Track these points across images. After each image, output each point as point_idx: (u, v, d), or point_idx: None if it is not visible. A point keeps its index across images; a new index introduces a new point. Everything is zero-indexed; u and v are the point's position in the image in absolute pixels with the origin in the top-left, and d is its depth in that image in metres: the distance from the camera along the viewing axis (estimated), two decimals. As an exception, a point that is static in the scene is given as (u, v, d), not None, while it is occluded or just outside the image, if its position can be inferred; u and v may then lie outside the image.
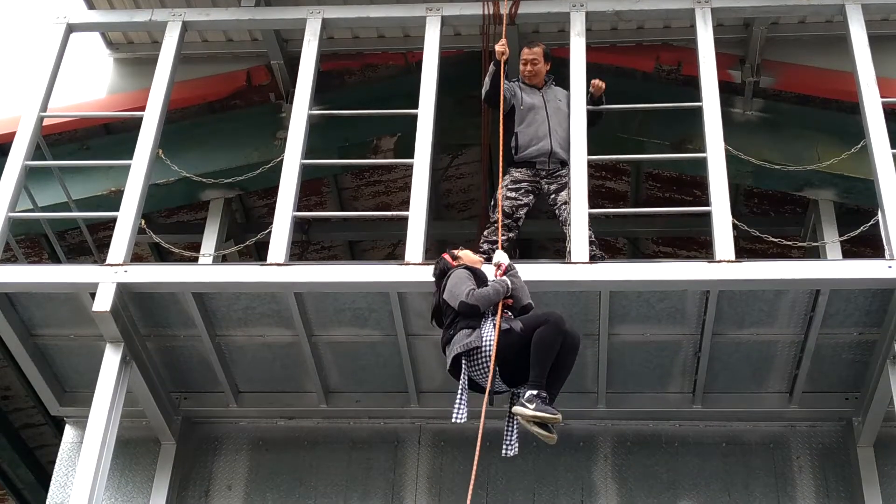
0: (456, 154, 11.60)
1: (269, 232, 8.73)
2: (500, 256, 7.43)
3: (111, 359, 8.45)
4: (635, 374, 9.21)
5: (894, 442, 9.13)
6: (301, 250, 11.72)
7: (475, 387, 6.85)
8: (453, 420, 6.71)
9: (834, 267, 8.41)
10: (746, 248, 11.02)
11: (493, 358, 6.63)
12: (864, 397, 8.91)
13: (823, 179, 9.69)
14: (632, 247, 12.16)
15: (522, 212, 9.20)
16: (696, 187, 11.03)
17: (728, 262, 8.20)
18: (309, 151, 9.09)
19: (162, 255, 11.24)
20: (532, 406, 6.57)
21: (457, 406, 6.74)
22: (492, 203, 9.30)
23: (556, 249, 12.07)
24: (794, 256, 10.59)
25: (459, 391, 6.76)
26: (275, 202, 8.83)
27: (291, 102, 9.30)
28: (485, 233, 9.44)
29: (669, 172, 11.12)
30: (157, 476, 9.31)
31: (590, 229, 8.57)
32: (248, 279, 8.54)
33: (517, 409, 6.68)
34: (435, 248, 11.88)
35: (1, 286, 8.62)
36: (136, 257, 9.93)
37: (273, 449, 9.63)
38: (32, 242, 10.79)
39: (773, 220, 10.98)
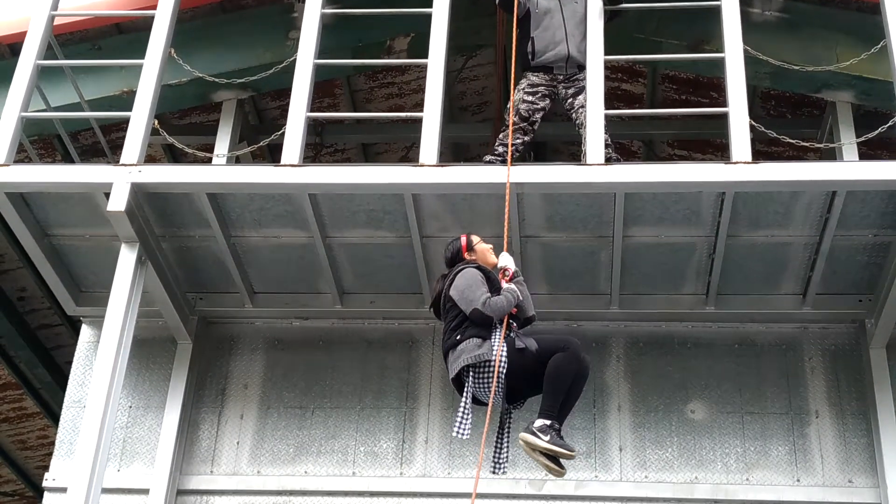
0: (470, 55, 11.46)
1: (283, 133, 8.68)
2: (506, 260, 7.04)
3: (126, 258, 8.48)
4: (649, 276, 9.22)
5: (906, 343, 9.18)
6: (314, 153, 11.66)
7: (474, 399, 6.61)
8: (454, 435, 6.48)
9: (850, 168, 8.35)
10: (762, 152, 10.92)
11: (496, 373, 6.40)
12: (878, 299, 8.92)
13: (842, 81, 9.55)
14: (647, 150, 12.07)
15: (538, 115, 9.11)
16: (713, 89, 10.91)
17: (744, 163, 8.15)
18: (322, 52, 8.99)
19: (175, 158, 11.21)
20: (546, 438, 6.34)
21: (459, 420, 6.48)
22: (507, 106, 9.22)
23: (571, 153, 11.98)
24: (811, 159, 10.53)
25: (463, 404, 6.50)
26: (287, 105, 8.76)
27: (303, 1, 9.17)
28: (500, 135, 9.38)
29: (686, 74, 10.97)
30: (174, 375, 9.42)
31: (605, 132, 8.50)
32: (262, 180, 8.52)
33: (526, 437, 6.40)
34: (449, 151, 11.86)
35: (16, 186, 8.61)
36: (149, 159, 9.91)
37: (288, 349, 9.72)
38: (45, 143, 10.76)
39: (790, 123, 10.86)
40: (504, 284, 6.82)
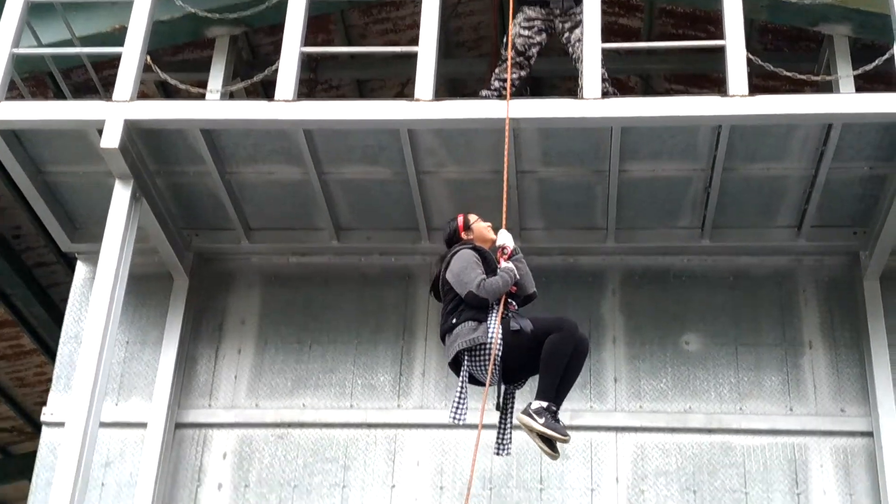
0: (465, -11, 11.38)
1: (277, 69, 8.63)
2: (505, 238, 6.85)
3: (121, 195, 8.47)
4: (645, 210, 9.24)
5: (901, 275, 9.23)
6: (309, 89, 11.60)
7: (472, 380, 6.48)
8: (451, 420, 6.32)
9: (846, 101, 8.33)
10: (759, 86, 10.87)
11: (492, 357, 6.26)
12: (872, 232, 8.96)
13: (839, 14, 9.49)
14: (644, 85, 12.02)
15: (535, 50, 9.07)
16: (710, 23, 10.84)
17: (741, 96, 8.13)
18: (316, -15, 8.91)
19: (168, 95, 11.14)
20: (541, 421, 6.22)
21: (455, 404, 6.33)
22: (504, 40, 9.16)
23: (568, 88, 11.93)
24: (808, 93, 10.48)
25: (459, 389, 6.35)
26: (281, 40, 8.70)
27: (296, -66, 9.05)
28: (496, 70, 9.33)
29: (683, 8, 10.90)
30: (171, 311, 9.45)
31: (602, 66, 8.47)
32: (256, 116, 8.48)
33: (523, 418, 6.29)
34: (445, 87, 11.80)
35: (8, 123, 8.57)
36: (142, 95, 9.82)
37: (285, 285, 9.75)
38: (37, 81, 10.69)
39: (786, 57, 10.81)
40: (502, 263, 6.65)
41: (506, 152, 7.41)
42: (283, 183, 9.21)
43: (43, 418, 9.28)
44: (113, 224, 8.37)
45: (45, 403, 9.38)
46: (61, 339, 9.60)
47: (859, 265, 9.21)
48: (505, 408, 6.61)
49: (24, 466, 13.17)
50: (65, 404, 9.01)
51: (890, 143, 8.41)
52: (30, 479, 9.22)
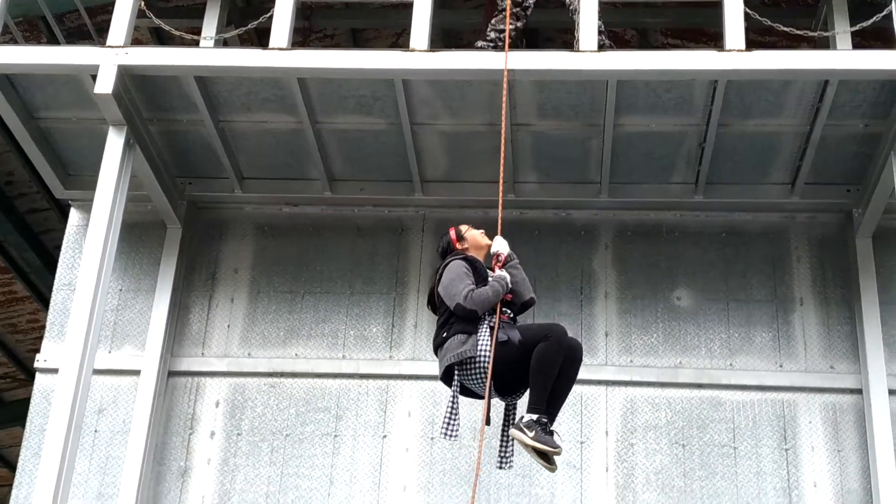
0: (462, -62, 11.27)
1: (271, 17, 8.56)
2: (499, 245, 6.54)
3: (114, 142, 8.43)
4: (639, 165, 9.23)
5: (892, 233, 9.24)
6: (303, 38, 11.51)
7: (467, 392, 6.26)
8: (442, 436, 6.13)
9: (843, 57, 8.30)
10: (756, 42, 10.80)
11: (490, 369, 6.00)
12: (866, 189, 8.97)
13: (838, -31, 9.45)
14: (640, 38, 11.95)
15: (531, 0, 9.00)
16: (707, -23, 10.77)
17: (738, 51, 8.10)
18: (311, -68, 8.84)
19: (162, 41, 11.06)
20: (531, 434, 5.95)
21: (446, 421, 6.13)
22: (500, -8, 9.10)
23: (564, 41, 11.85)
24: (804, 48, 10.44)
25: (450, 405, 6.12)
26: (276, -13, 8.64)
27: None
28: (492, 21, 9.27)
29: (681, -39, 10.83)
30: (164, 259, 9.45)
31: (599, 19, 8.41)
32: (250, 63, 8.43)
33: (514, 432, 6.06)
34: (440, 38, 11.70)
35: (1, 67, 8.51)
36: (135, 42, 9.73)
37: (278, 235, 9.74)
38: (30, 25, 10.60)
39: (784, 12, 10.72)
40: (496, 272, 6.39)
41: (504, 104, 7.37)
42: (276, 132, 9.17)
43: (36, 365, 9.31)
44: (106, 171, 8.34)
45: (38, 350, 9.40)
46: (55, 287, 9.60)
47: (852, 223, 9.23)
48: (507, 421, 6.36)
49: (17, 413, 13.23)
50: (58, 351, 9.03)
51: (886, 101, 8.39)
52: (23, 426, 9.26)
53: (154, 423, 8.95)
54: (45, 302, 11.72)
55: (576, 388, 8.84)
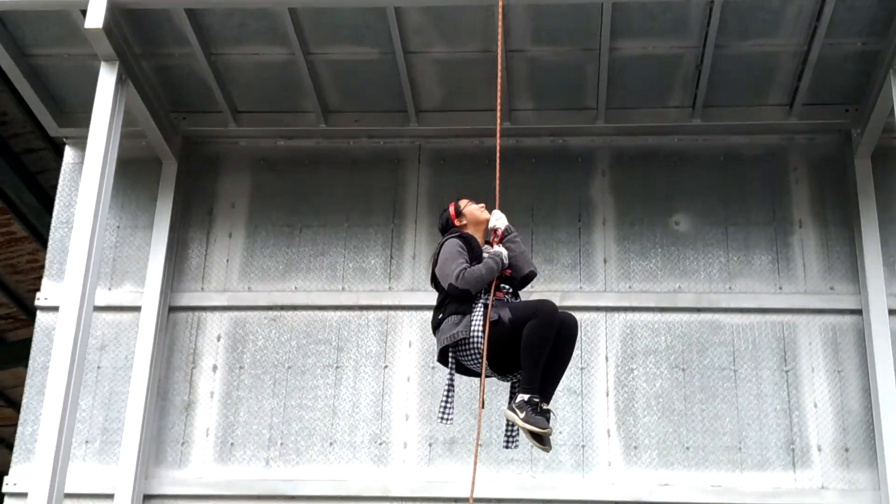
0: None
1: (261, -54, 8.45)
2: (497, 219, 6.39)
3: (106, 78, 8.35)
4: (635, 90, 9.16)
5: (891, 153, 9.19)
6: (294, -31, 11.38)
7: (466, 371, 6.17)
8: (439, 420, 6.07)
9: (841, -26, 8.21)
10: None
11: (484, 349, 5.88)
12: (865, 109, 8.91)
13: None
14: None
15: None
16: None
17: (734, -31, 8.00)
18: None
19: (152, -24, 10.92)
20: (521, 415, 5.82)
21: (443, 405, 6.05)
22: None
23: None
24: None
25: (446, 389, 6.06)
26: (264, -86, 8.50)
27: None
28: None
29: None
30: (161, 195, 9.42)
31: (592, -60, 8.31)
32: (241, -6, 8.34)
33: (508, 413, 5.96)
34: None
35: (-11, 4, 8.42)
36: (125, -24, 9.65)
37: (274, 169, 9.70)
38: (18, -38, 10.44)
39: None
40: (493, 247, 6.24)
41: (499, 29, 7.28)
42: (269, 64, 9.09)
43: (37, 303, 9.32)
44: (100, 107, 8.28)
45: (38, 290, 9.41)
46: (52, 225, 9.59)
47: (850, 143, 9.18)
48: (511, 400, 6.16)
49: (19, 353, 13.28)
50: (58, 289, 9.04)
51: (884, 18, 8.29)
52: (25, 366, 9.30)
53: (156, 358, 8.99)
54: (43, 242, 11.70)
55: (575, 315, 9.01)
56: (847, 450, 8.58)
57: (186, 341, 9.23)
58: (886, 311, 8.68)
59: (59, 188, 9.70)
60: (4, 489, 8.76)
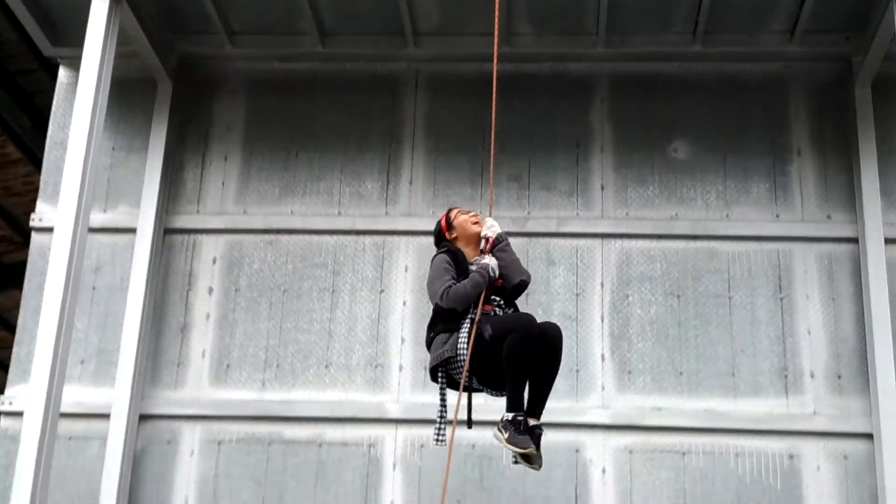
0: None
1: None
2: (489, 227, 6.20)
3: (100, -4, 8.25)
4: (636, 15, 9.07)
5: (891, 81, 9.13)
6: None
7: (456, 387, 5.97)
8: (435, 442, 5.92)
9: None
10: None
11: (466, 369, 5.74)
12: (866, 36, 8.83)
13: None
14: None
15: None
16: None
17: None
18: None
19: None
20: (505, 436, 5.68)
21: (437, 426, 5.93)
22: None
23: None
24: None
25: (439, 410, 5.93)
26: None
27: None
28: None
29: None
30: (156, 117, 9.35)
31: None
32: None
33: (495, 432, 5.78)
34: None
35: (-19, -81, 8.29)
36: None
37: (270, 92, 9.62)
38: None
39: None
40: (483, 259, 6.04)
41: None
42: (266, -15, 8.99)
43: (32, 224, 9.29)
44: (94, 26, 8.17)
45: (33, 212, 9.36)
46: (47, 146, 9.53)
47: (851, 71, 9.11)
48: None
49: (14, 276, 13.25)
50: (53, 210, 9.00)
51: (888, -56, 8.20)
52: (21, 288, 9.28)
53: (152, 280, 8.99)
54: (38, 164, 11.60)
55: (571, 242, 9.05)
56: (840, 376, 8.64)
57: (182, 263, 9.22)
58: (882, 240, 8.68)
59: (54, 109, 9.63)
60: (1, 408, 8.81)
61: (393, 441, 8.69)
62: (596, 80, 9.47)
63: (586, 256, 9.04)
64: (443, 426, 5.94)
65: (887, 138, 9.01)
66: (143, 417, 8.80)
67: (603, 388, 8.71)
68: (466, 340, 5.77)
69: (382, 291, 9.08)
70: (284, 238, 9.23)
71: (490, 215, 6.70)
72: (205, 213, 9.32)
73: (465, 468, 8.51)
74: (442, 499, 5.87)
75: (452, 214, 6.34)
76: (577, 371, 8.75)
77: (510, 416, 5.70)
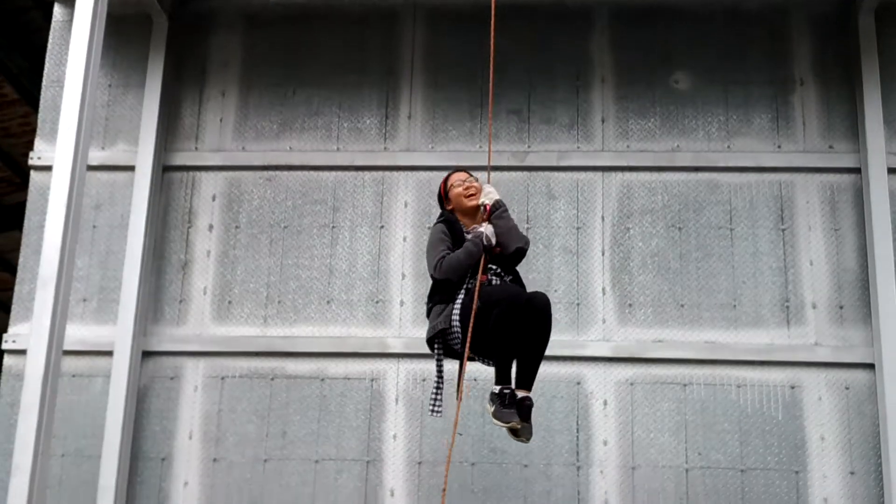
0: None
1: None
2: (487, 194, 6.14)
3: (92, -73, 8.12)
4: (636, -57, 8.96)
5: (895, 10, 9.02)
6: None
7: (457, 356, 5.99)
8: (430, 413, 5.95)
9: None
10: None
11: (466, 338, 5.75)
12: (870, -38, 8.73)
13: None
14: None
15: None
16: None
17: None
18: None
19: None
20: (492, 409, 5.72)
21: (432, 398, 5.95)
22: None
23: None
24: None
25: (435, 381, 5.96)
26: None
27: None
28: None
29: None
30: (152, 53, 9.25)
31: None
32: None
33: (485, 404, 5.92)
34: None
35: None
36: None
37: (267, 26, 9.52)
38: None
39: None
40: (479, 227, 6.01)
41: None
42: (261, -83, 8.86)
43: (30, 162, 9.24)
44: (86, -41, 8.06)
45: (31, 152, 9.31)
46: (43, 84, 9.44)
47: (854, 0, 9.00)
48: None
49: (13, 217, 13.24)
50: (51, 148, 8.95)
51: None
52: (20, 230, 9.26)
53: (151, 217, 8.97)
54: (35, 105, 11.51)
55: (572, 175, 9.01)
56: (841, 307, 8.63)
57: (181, 201, 9.19)
58: (885, 170, 8.63)
59: (49, 47, 9.53)
60: (3, 346, 8.83)
61: (395, 375, 8.72)
62: (596, 10, 9.36)
63: (587, 190, 9.00)
64: (439, 397, 5.93)
65: (890, 67, 8.92)
66: (146, 354, 8.83)
67: (604, 322, 8.72)
68: (459, 312, 5.77)
69: (382, 227, 9.05)
70: (284, 174, 9.19)
71: (489, 149, 6.71)
72: (203, 150, 9.27)
73: (467, 402, 8.53)
74: (446, 470, 5.89)
75: (450, 181, 6.27)
76: (578, 305, 8.75)
77: (497, 388, 5.72)
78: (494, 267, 5.98)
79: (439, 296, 5.96)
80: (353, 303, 8.89)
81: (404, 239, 8.98)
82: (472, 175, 6.33)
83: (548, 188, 9.02)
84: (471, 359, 5.92)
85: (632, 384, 8.60)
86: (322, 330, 8.84)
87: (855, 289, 8.66)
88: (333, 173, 9.18)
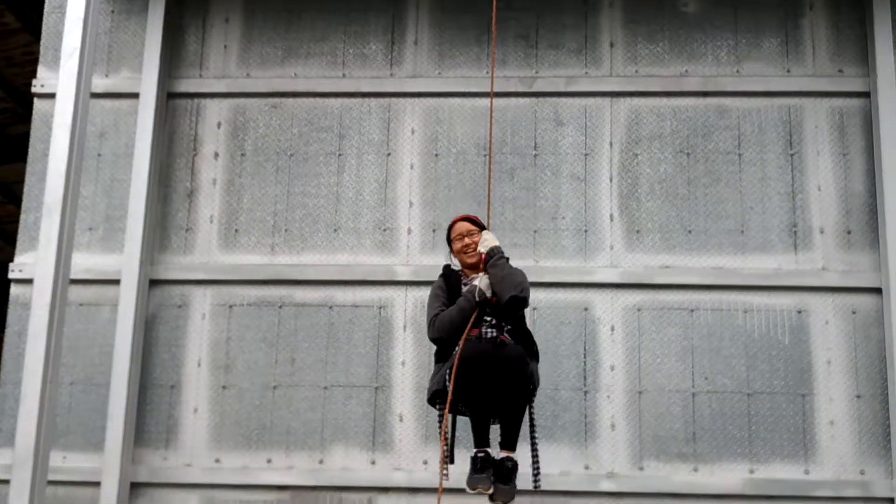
0: None
1: None
2: (484, 241, 6.04)
3: None
4: None
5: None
6: None
7: (459, 412, 5.97)
8: (444, 479, 5.82)
9: None
10: None
11: (445, 413, 5.73)
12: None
13: None
14: None
15: None
16: None
17: None
18: None
19: None
20: (468, 476, 5.63)
21: (444, 464, 5.83)
22: None
23: None
24: None
25: (442, 446, 5.83)
26: None
27: None
28: None
29: None
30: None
31: None
32: None
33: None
34: None
35: None
36: None
37: (270, -47, 9.41)
38: None
39: None
40: (475, 281, 5.94)
41: None
42: None
43: (34, 90, 9.17)
44: None
45: (34, 79, 9.24)
46: (45, 9, 9.35)
47: (870, -34, 8.87)
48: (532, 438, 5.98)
49: (17, 147, 13.17)
50: (54, 75, 8.88)
51: None
52: (25, 160, 9.21)
53: (156, 145, 8.92)
54: (38, 35, 11.43)
55: (580, 101, 8.94)
56: (849, 232, 8.61)
57: (186, 128, 9.14)
58: (895, 94, 8.55)
59: (50, -28, 9.43)
60: (10, 275, 8.84)
61: (403, 302, 8.73)
62: (603, -64, 9.24)
63: (595, 116, 8.94)
64: (446, 464, 5.82)
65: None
66: (154, 283, 8.84)
67: (611, 248, 8.70)
68: (448, 374, 5.67)
69: (389, 154, 9.00)
70: (289, 101, 9.12)
71: (493, 75, 6.60)
72: (207, 77, 9.19)
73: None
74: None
75: (453, 232, 6.21)
76: (586, 231, 8.73)
77: (472, 452, 5.65)
78: (490, 319, 5.88)
79: (440, 353, 5.93)
80: (360, 231, 8.87)
81: (411, 166, 8.94)
82: (475, 223, 6.23)
83: (555, 114, 8.96)
84: (464, 414, 5.89)
85: (639, 310, 8.61)
86: (329, 258, 8.84)
87: (863, 214, 8.63)
88: (339, 100, 9.11)
